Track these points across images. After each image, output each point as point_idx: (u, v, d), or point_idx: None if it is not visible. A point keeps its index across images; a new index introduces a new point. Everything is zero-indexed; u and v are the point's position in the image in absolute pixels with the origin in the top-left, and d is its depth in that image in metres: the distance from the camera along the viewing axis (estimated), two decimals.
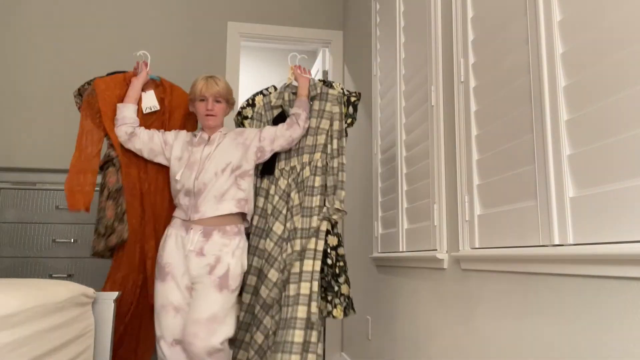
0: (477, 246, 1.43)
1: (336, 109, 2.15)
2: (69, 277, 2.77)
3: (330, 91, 2.17)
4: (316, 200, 2.02)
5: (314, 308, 1.88)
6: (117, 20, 3.46)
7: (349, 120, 2.18)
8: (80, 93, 2.16)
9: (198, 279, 1.90)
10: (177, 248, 1.93)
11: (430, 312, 1.77)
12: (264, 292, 2.02)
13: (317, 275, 1.91)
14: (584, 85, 1.00)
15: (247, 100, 2.30)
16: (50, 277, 2.76)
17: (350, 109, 2.19)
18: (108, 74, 2.18)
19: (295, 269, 1.93)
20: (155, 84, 2.25)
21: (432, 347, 1.73)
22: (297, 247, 1.97)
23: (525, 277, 1.19)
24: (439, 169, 1.71)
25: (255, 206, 2.14)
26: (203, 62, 3.53)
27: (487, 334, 1.36)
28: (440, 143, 1.72)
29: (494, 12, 1.38)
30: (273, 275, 2.02)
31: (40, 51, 3.34)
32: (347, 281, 2.04)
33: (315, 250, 1.95)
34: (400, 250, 2.06)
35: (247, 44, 3.82)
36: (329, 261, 2.02)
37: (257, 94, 2.32)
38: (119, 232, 2.06)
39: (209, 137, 2.06)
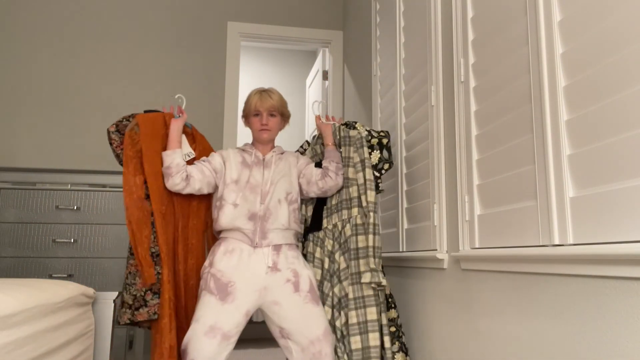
0: (477, 246, 1.43)
1: (356, 157, 1.89)
2: (69, 277, 2.77)
3: (351, 133, 1.94)
4: (363, 264, 1.79)
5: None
6: (116, 20, 3.46)
7: (386, 166, 1.92)
8: (118, 129, 1.94)
9: (282, 298, 1.76)
10: (243, 265, 1.77)
11: (430, 312, 1.76)
12: None
13: (379, 352, 1.71)
14: (584, 85, 1.00)
15: None
16: (50, 277, 2.76)
17: (385, 153, 1.92)
18: (145, 112, 2.00)
19: (357, 345, 1.72)
20: (186, 131, 2.07)
21: (432, 347, 1.73)
22: (354, 320, 1.74)
23: (525, 277, 1.19)
24: (439, 169, 1.71)
25: None
26: (203, 62, 3.53)
27: (487, 334, 1.36)
28: (440, 143, 1.72)
29: (494, 12, 1.38)
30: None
31: (40, 52, 3.34)
32: (402, 349, 1.77)
33: (376, 320, 1.74)
34: (400, 250, 2.06)
35: (247, 44, 3.82)
36: None
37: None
38: (151, 307, 1.77)
39: (264, 158, 1.95)
